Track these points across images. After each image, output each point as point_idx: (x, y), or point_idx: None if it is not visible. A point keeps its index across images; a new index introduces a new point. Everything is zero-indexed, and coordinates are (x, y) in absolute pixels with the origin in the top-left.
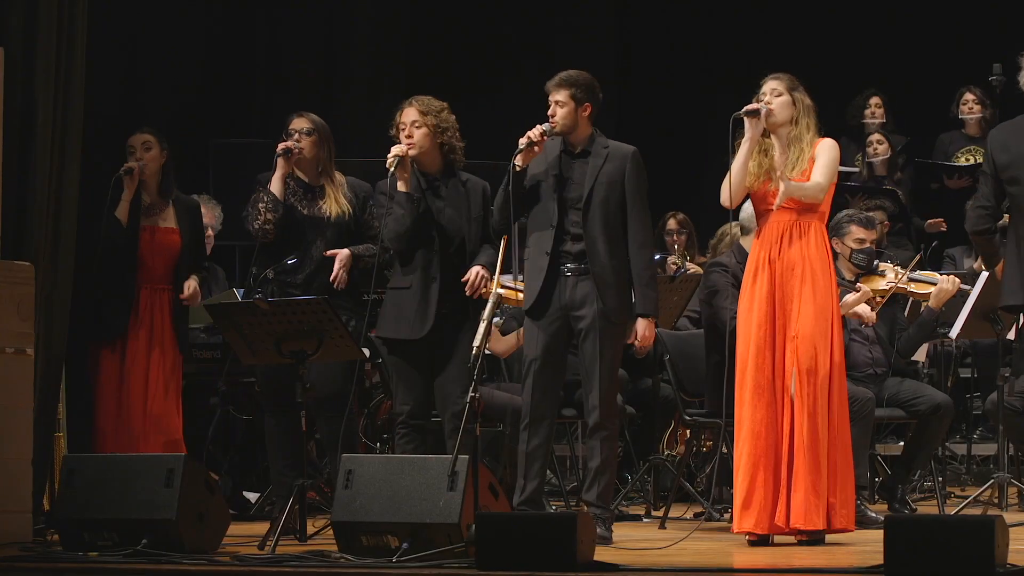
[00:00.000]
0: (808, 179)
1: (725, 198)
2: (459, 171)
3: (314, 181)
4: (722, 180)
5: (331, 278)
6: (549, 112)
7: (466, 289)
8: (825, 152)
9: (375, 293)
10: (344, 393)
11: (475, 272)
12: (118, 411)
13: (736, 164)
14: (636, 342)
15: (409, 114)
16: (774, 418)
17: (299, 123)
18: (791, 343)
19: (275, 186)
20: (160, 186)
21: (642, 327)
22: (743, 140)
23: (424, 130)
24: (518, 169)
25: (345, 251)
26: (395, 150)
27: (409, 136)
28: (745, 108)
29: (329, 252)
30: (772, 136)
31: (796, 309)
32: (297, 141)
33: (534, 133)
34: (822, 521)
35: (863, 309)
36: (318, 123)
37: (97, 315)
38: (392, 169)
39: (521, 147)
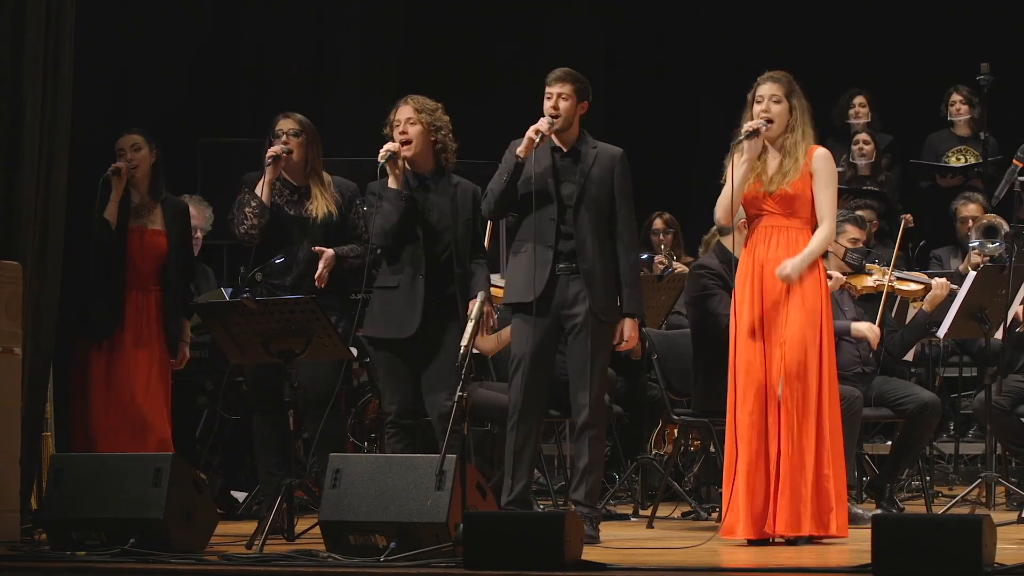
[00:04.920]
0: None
1: (721, 217)
2: (450, 172)
3: (301, 182)
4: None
5: (316, 276)
6: (550, 105)
7: (483, 326)
8: (826, 184)
9: (363, 293)
10: (332, 393)
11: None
12: (106, 411)
13: (736, 185)
14: (622, 342)
15: (404, 112)
16: (765, 423)
17: (286, 124)
18: (780, 348)
19: (262, 191)
20: (150, 187)
21: (628, 327)
22: (742, 160)
23: (419, 128)
24: (520, 161)
25: (329, 251)
26: (389, 146)
27: (404, 133)
28: (745, 131)
29: (316, 248)
30: (765, 140)
31: (785, 313)
32: (285, 143)
33: (542, 126)
34: (808, 527)
35: (871, 335)
36: (305, 123)
37: (86, 316)
38: (382, 163)
39: (536, 139)
